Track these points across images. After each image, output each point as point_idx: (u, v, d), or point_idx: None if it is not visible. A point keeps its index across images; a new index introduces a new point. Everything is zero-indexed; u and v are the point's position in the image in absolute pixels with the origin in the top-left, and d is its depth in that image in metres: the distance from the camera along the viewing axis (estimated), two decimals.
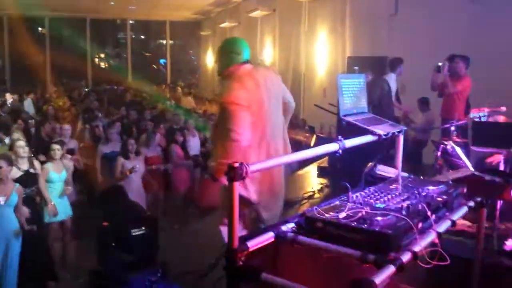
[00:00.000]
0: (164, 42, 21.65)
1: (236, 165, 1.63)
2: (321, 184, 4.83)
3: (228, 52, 2.91)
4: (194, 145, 7.71)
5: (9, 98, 13.23)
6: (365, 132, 2.40)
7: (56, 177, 5.25)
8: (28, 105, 12.29)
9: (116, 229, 2.04)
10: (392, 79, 6.36)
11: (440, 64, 5.88)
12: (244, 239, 1.67)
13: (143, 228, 2.07)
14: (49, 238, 5.12)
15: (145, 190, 6.30)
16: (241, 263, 1.61)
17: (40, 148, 6.15)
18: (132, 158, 6.04)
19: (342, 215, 1.71)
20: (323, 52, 10.04)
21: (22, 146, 5.09)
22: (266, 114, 2.80)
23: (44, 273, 4.32)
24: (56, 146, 5.34)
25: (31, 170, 5.05)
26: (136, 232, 2.02)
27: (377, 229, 1.61)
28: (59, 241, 5.29)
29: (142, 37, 22.62)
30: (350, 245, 1.62)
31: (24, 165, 5.04)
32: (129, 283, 2.19)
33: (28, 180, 4.93)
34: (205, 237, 3.52)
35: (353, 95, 2.64)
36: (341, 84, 2.54)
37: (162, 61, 22.16)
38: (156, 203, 6.72)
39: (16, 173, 4.86)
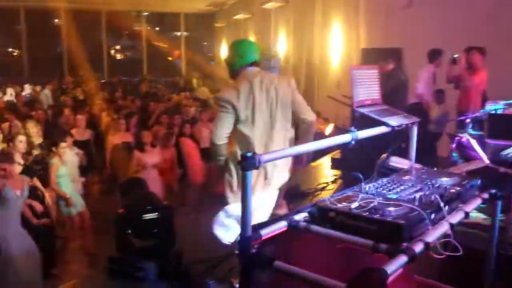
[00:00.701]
0: (179, 34, 21.69)
1: (249, 154, 1.66)
2: (335, 175, 4.83)
3: (232, 56, 3.08)
4: (207, 136, 7.71)
5: (28, 89, 13.46)
6: (378, 123, 2.39)
7: (64, 170, 5.31)
8: (46, 95, 12.47)
9: (131, 216, 2.09)
10: (430, 71, 6.24)
11: (455, 55, 5.80)
12: (257, 228, 1.70)
13: (156, 213, 2.12)
14: (72, 229, 5.26)
15: (161, 180, 6.33)
16: (254, 251, 1.64)
17: (56, 138, 6.22)
18: (148, 150, 6.08)
19: (354, 205, 1.72)
20: (337, 43, 9.97)
21: (22, 140, 5.16)
22: (263, 118, 2.95)
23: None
24: (63, 144, 5.39)
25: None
26: (148, 216, 2.06)
27: (389, 219, 1.62)
28: (79, 231, 5.41)
29: (157, 29, 22.68)
30: (362, 235, 1.63)
31: (20, 160, 5.07)
32: (145, 270, 2.25)
33: (28, 173, 4.94)
34: None
35: (366, 86, 2.64)
36: (354, 75, 2.54)
37: (176, 53, 22.23)
38: (172, 194, 6.77)
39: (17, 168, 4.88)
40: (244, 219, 1.67)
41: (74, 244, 5.46)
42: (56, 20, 20.05)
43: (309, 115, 3.13)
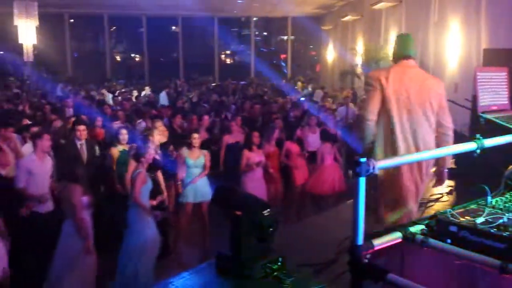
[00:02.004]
0: (285, 38, 21.98)
1: (363, 160, 1.61)
2: (449, 186, 4.48)
3: (394, 47, 3.14)
4: (313, 141, 7.68)
5: (148, 91, 14.64)
6: (506, 131, 2.18)
7: (190, 162, 5.66)
8: (163, 97, 13.42)
9: (249, 215, 2.14)
10: None
11: None
12: (369, 237, 1.64)
13: (269, 210, 2.16)
14: (183, 216, 5.60)
15: (265, 182, 6.43)
16: (366, 261, 1.58)
17: (173, 138, 6.65)
18: (255, 150, 6.22)
19: (479, 220, 1.58)
20: (454, 44, 9.30)
21: (124, 133, 5.74)
22: (409, 111, 2.87)
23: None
24: (195, 135, 5.79)
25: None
26: (267, 213, 2.11)
27: None
28: (195, 222, 5.72)
29: (265, 33, 23.25)
30: (487, 253, 1.50)
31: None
32: (251, 268, 2.29)
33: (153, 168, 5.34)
34: (323, 232, 3.51)
35: (492, 90, 2.43)
36: (479, 78, 2.35)
37: (282, 56, 22.60)
38: (275, 197, 6.83)
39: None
40: (355, 226, 1.62)
41: (185, 233, 5.75)
42: (174, 27, 21.55)
43: (448, 121, 2.96)
